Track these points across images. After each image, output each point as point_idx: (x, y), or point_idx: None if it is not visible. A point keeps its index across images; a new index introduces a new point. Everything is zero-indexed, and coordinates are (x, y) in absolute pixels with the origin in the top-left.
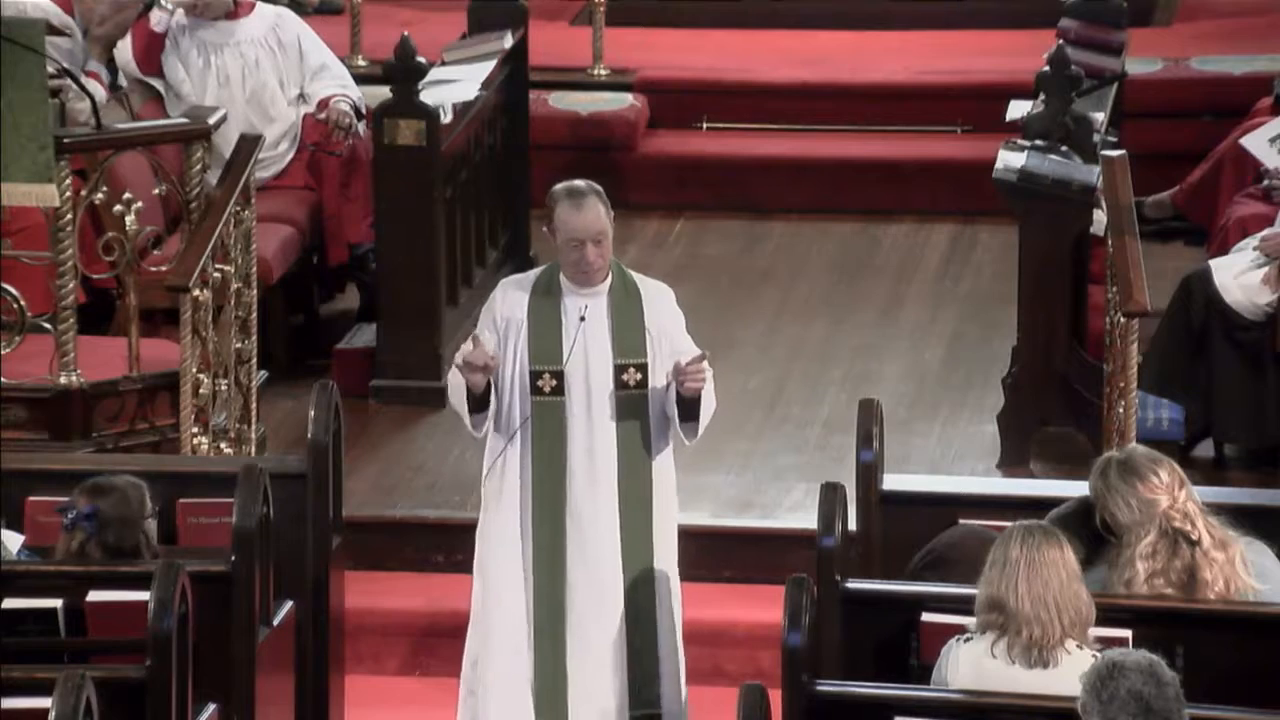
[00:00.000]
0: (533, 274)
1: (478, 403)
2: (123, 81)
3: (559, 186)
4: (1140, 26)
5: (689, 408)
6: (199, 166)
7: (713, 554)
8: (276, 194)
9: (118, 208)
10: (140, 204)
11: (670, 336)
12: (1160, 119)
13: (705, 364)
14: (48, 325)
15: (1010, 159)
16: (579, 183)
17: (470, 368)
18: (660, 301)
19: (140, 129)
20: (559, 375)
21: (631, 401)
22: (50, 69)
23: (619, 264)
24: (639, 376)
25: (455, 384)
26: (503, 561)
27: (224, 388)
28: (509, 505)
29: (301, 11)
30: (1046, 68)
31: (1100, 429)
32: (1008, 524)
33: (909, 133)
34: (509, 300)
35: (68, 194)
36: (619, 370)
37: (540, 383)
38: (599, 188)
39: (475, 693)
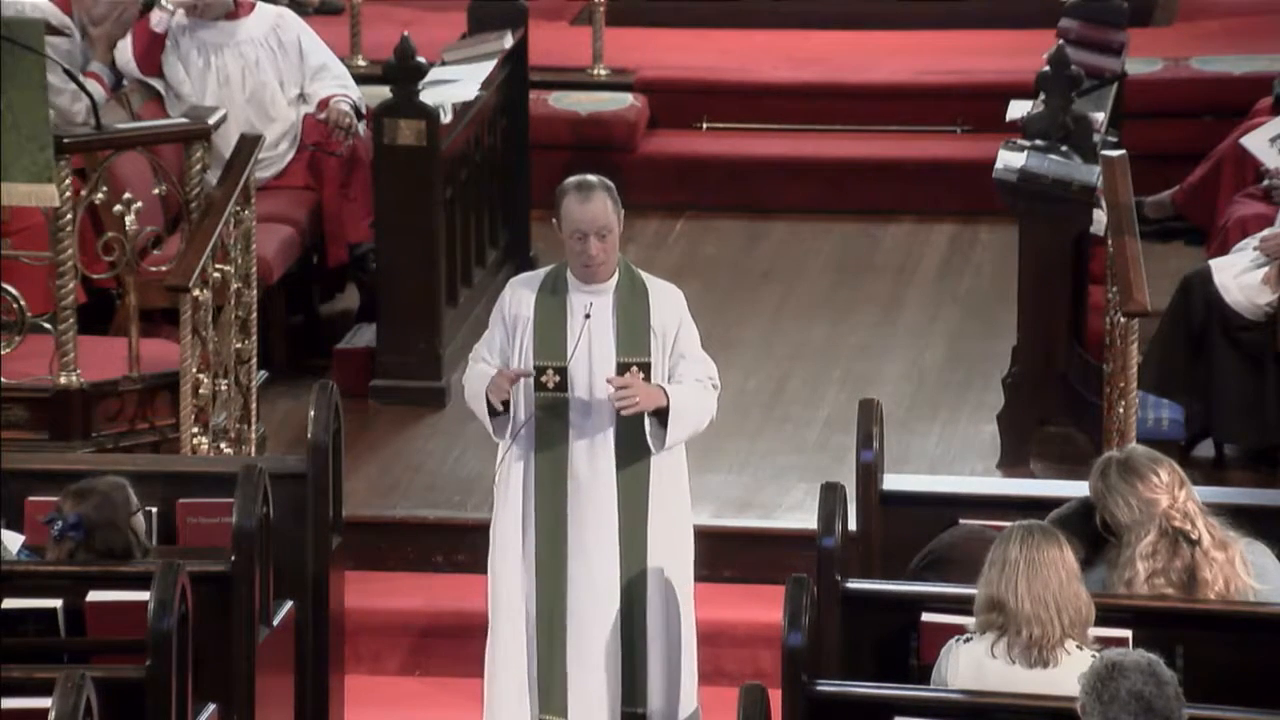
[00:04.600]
0: (541, 272)
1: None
2: (124, 82)
3: (569, 179)
4: (1140, 26)
5: (660, 415)
6: (199, 166)
7: (713, 554)
8: (276, 194)
9: (118, 208)
10: (140, 204)
11: (676, 338)
12: (1160, 119)
13: (631, 386)
14: (48, 325)
15: (1010, 159)
16: (590, 177)
17: (499, 391)
18: (668, 302)
19: (140, 129)
20: (562, 372)
21: None
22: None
23: (627, 262)
24: (642, 376)
25: (473, 391)
26: (507, 557)
27: (224, 388)
28: (514, 501)
29: (301, 12)
30: (1046, 68)
31: (1100, 429)
32: (1008, 524)
33: (909, 133)
34: (517, 298)
35: (68, 194)
36: (622, 369)
37: (544, 379)
38: (610, 184)
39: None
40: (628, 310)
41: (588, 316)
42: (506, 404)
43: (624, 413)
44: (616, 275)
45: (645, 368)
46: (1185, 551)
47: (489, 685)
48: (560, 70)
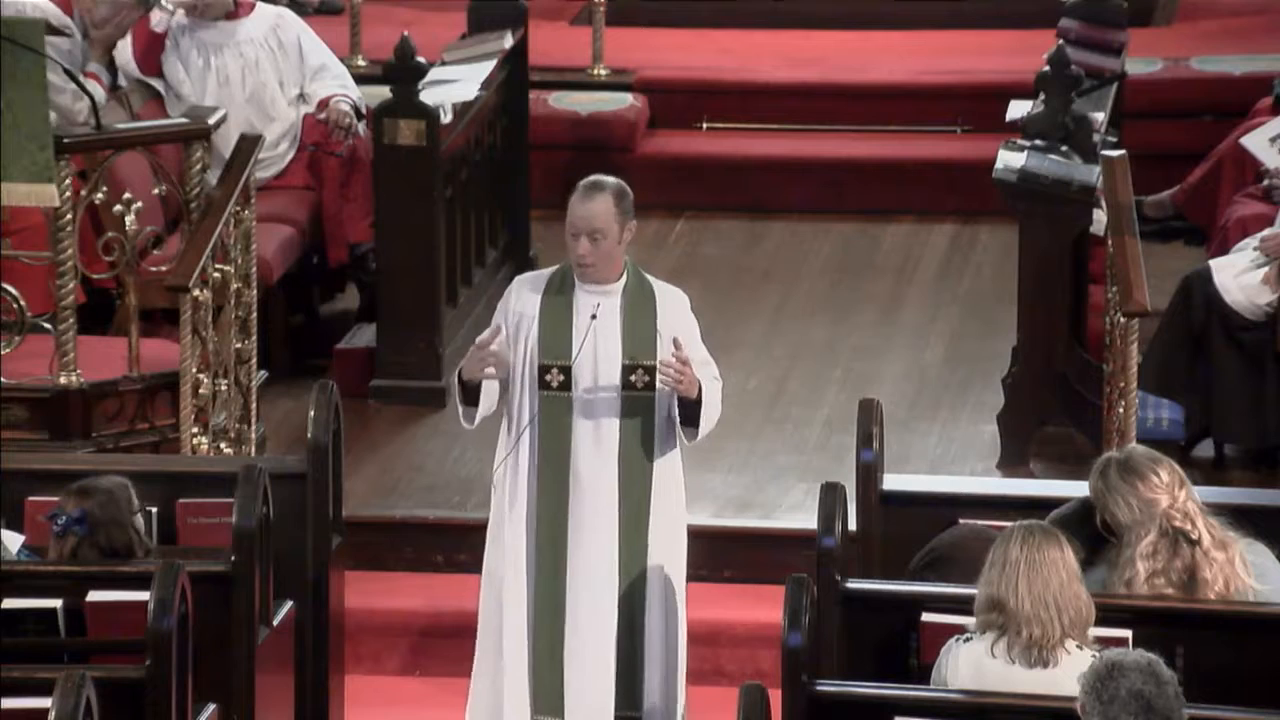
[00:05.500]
0: (547, 271)
1: (469, 395)
2: (123, 82)
3: (588, 178)
4: (1140, 26)
5: (689, 410)
6: (199, 166)
7: (713, 554)
8: (276, 194)
9: (118, 208)
10: (140, 204)
11: (686, 343)
12: (1160, 119)
13: (686, 366)
14: (48, 325)
15: (1010, 159)
16: (607, 178)
17: (481, 348)
18: (674, 306)
19: (140, 129)
20: (567, 370)
21: (638, 403)
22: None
23: (635, 265)
24: (647, 379)
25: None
26: (507, 556)
27: (224, 388)
28: (516, 501)
29: (301, 11)
30: (1046, 68)
31: (1100, 429)
32: (1008, 524)
33: (909, 133)
34: (522, 297)
35: (68, 194)
36: (627, 370)
37: (548, 377)
38: (624, 189)
39: (482, 684)
40: (635, 313)
41: (594, 317)
42: (477, 393)
43: (679, 390)
44: (625, 277)
45: (650, 371)
46: (1185, 551)
47: (477, 684)
48: (560, 70)
